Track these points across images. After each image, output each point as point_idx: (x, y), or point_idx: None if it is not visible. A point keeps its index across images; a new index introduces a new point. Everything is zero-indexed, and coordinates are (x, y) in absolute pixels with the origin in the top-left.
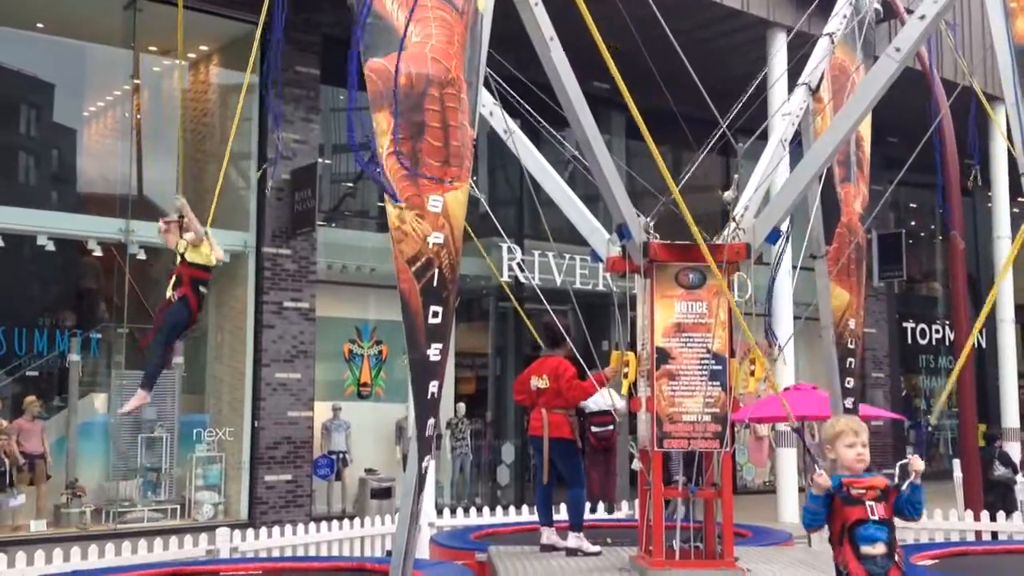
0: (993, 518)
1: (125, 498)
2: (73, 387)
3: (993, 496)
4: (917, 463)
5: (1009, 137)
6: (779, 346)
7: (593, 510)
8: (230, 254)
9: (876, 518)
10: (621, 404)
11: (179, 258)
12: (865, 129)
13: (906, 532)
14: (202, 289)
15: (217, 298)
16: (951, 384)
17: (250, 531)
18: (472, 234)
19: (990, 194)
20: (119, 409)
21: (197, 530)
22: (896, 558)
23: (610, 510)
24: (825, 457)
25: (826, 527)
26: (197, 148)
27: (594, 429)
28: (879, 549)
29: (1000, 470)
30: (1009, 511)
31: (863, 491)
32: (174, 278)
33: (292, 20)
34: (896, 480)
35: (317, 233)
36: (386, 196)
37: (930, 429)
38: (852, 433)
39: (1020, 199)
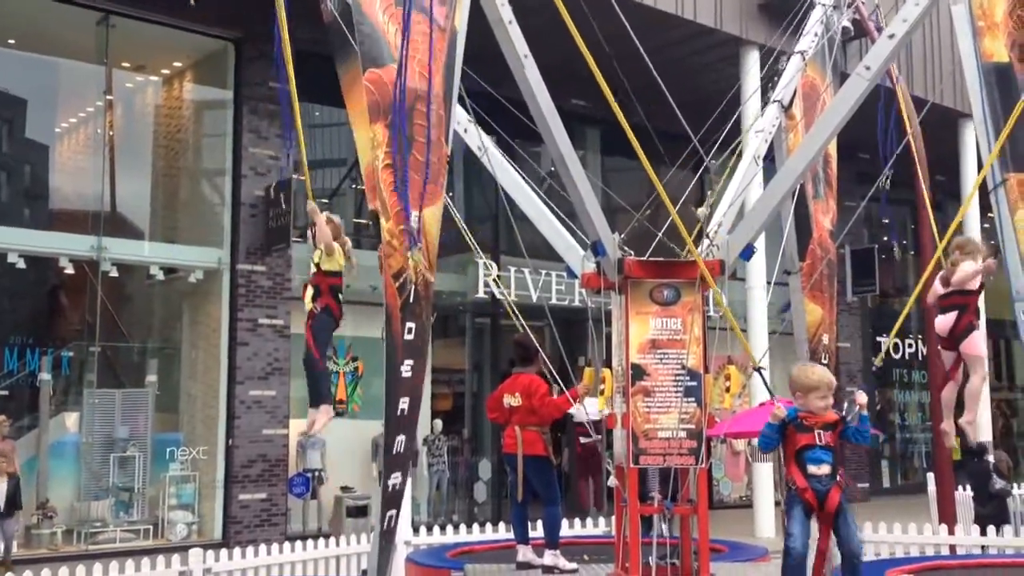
0: (993, 531)
1: (97, 518)
2: (44, 406)
3: (991, 508)
4: (860, 397)
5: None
6: (758, 368)
7: (583, 524)
8: (204, 271)
9: (822, 444)
10: (594, 415)
11: (313, 268)
12: (832, 147)
13: (881, 547)
14: (340, 294)
15: (191, 315)
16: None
17: (224, 551)
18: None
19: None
20: (303, 432)
21: (170, 550)
22: (838, 478)
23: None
24: (796, 398)
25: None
26: (170, 164)
27: (581, 440)
28: (824, 470)
29: (1000, 483)
30: (1005, 523)
31: (814, 422)
32: (312, 289)
33: (268, 35)
34: (844, 414)
35: (292, 250)
36: (379, 209)
37: (874, 369)
38: (826, 388)
39: (990, 214)
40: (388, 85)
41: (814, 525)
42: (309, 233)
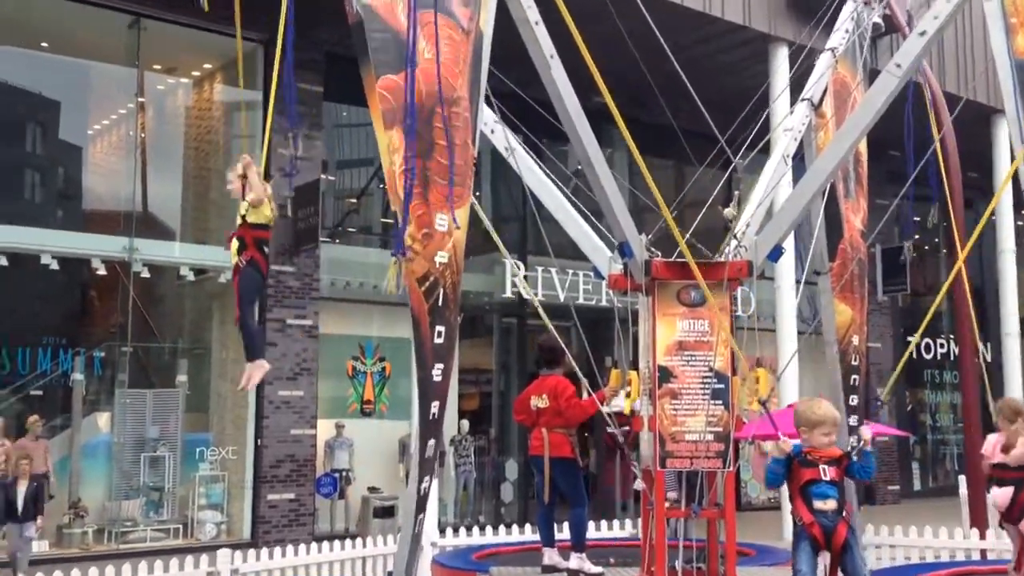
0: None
1: (128, 518)
2: (76, 406)
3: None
4: (866, 433)
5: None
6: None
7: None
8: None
9: (828, 479)
10: (620, 405)
11: (240, 220)
12: (862, 145)
13: (911, 551)
14: (265, 248)
15: (220, 315)
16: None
17: (251, 551)
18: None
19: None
20: (239, 386)
21: (199, 550)
22: (844, 514)
23: (623, 507)
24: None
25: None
26: (201, 165)
27: (608, 429)
28: (829, 504)
29: None
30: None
31: (819, 457)
32: (237, 242)
33: (294, 37)
34: (849, 449)
35: (320, 250)
36: (397, 215)
37: (880, 404)
38: (831, 424)
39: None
40: (405, 91)
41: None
42: (236, 184)
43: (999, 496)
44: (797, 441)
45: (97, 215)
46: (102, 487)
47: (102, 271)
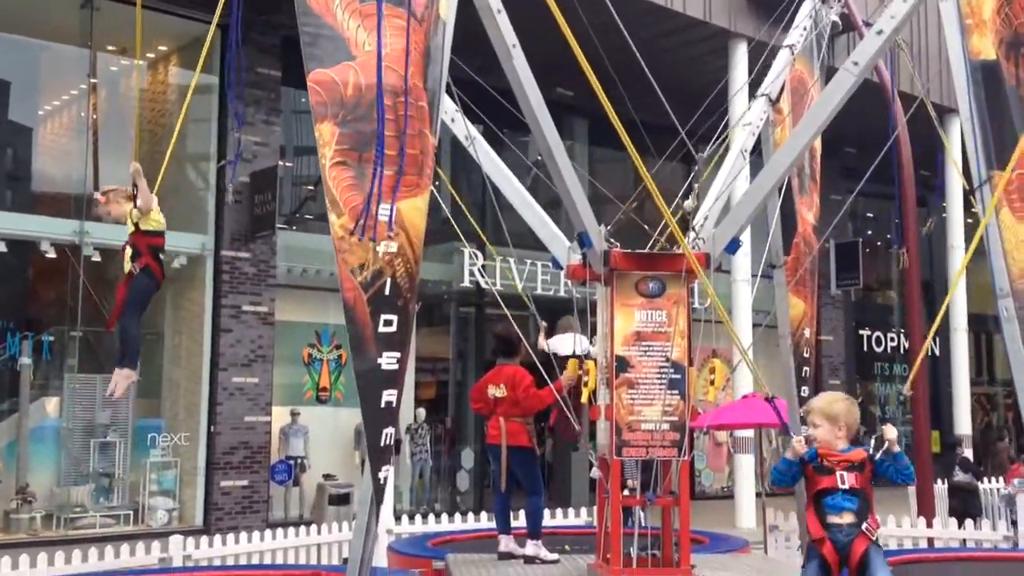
0: (971, 525)
1: (77, 504)
2: (24, 391)
3: (955, 501)
4: (889, 432)
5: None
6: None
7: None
8: (187, 257)
9: (846, 487)
10: (586, 347)
11: (132, 227)
12: (817, 142)
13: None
14: (161, 256)
15: (174, 301)
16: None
17: (204, 538)
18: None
19: (945, 204)
20: (107, 392)
21: (150, 537)
22: (864, 527)
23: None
24: (812, 426)
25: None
26: (155, 148)
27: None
28: (846, 518)
29: (959, 475)
30: (973, 516)
31: (836, 462)
32: (130, 250)
33: (252, 21)
34: (872, 451)
35: (277, 236)
36: (328, 206)
37: (902, 399)
38: (845, 415)
39: (973, 210)
40: (338, 84)
41: None
42: (108, 195)
43: None
44: (814, 446)
45: (47, 197)
46: (50, 473)
47: (52, 254)
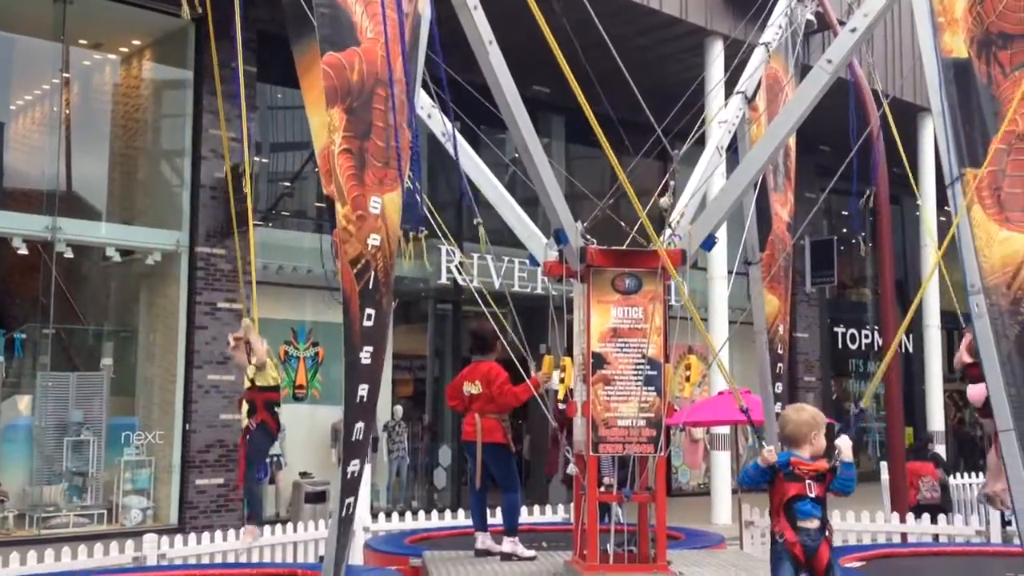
0: (944, 520)
1: (50, 503)
2: None
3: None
4: (843, 443)
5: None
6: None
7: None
8: (162, 253)
9: (812, 496)
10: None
11: (248, 383)
12: (792, 139)
13: (834, 535)
14: (276, 409)
15: (148, 298)
16: (881, 373)
17: (178, 537)
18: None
19: (919, 203)
20: (241, 543)
21: (125, 536)
22: (827, 533)
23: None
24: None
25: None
26: (129, 144)
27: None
28: (813, 523)
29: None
30: (945, 511)
31: (806, 471)
32: (247, 405)
33: (227, 15)
34: (832, 463)
35: (253, 233)
36: (335, 194)
37: (858, 411)
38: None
39: (946, 208)
40: (347, 69)
41: None
42: (239, 349)
43: (973, 392)
44: (785, 451)
45: (18, 193)
46: (23, 471)
47: (24, 251)
